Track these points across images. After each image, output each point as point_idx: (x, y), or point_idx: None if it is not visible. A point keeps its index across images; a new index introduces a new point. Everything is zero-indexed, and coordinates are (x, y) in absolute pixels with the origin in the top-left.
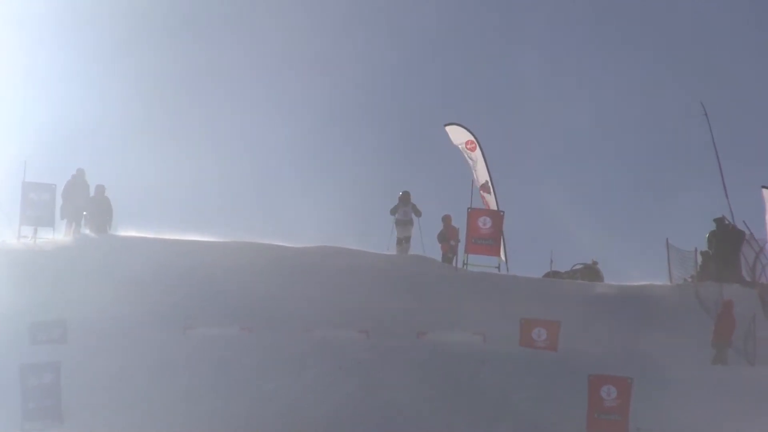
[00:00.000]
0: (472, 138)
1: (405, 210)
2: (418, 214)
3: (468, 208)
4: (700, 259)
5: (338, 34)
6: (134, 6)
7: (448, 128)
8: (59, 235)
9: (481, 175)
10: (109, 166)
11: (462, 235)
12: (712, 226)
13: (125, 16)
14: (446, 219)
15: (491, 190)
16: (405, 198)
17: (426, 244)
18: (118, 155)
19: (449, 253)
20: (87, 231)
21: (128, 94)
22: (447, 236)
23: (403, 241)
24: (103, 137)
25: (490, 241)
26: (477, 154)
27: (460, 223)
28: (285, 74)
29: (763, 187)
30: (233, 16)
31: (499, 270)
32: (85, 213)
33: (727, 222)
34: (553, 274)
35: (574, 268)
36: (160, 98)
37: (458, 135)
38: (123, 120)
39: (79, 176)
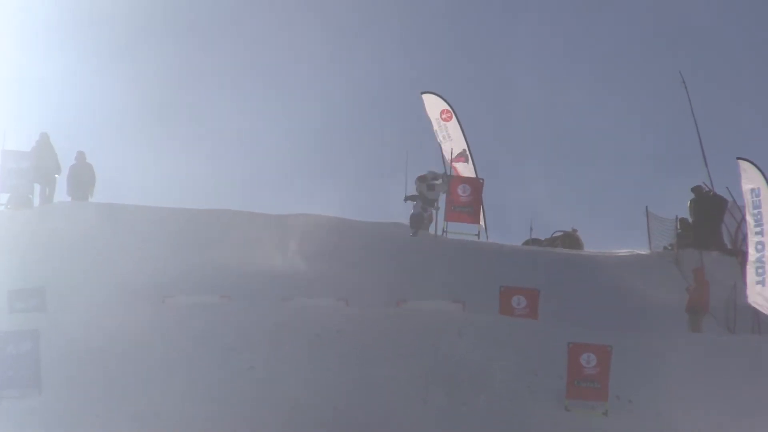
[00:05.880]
0: (448, 107)
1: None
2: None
3: (449, 176)
4: (679, 227)
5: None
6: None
7: (424, 96)
8: (37, 202)
9: (458, 144)
10: (89, 134)
11: (441, 203)
12: (691, 195)
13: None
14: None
15: (469, 159)
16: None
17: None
18: (96, 123)
19: (426, 221)
20: (68, 197)
21: (104, 65)
22: None
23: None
24: (81, 106)
25: (469, 209)
26: (453, 123)
27: None
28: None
29: (738, 158)
30: None
31: (478, 237)
32: (57, 176)
33: (706, 189)
34: (533, 242)
35: (554, 235)
36: (137, 70)
37: (433, 104)
38: (100, 89)
39: (43, 140)
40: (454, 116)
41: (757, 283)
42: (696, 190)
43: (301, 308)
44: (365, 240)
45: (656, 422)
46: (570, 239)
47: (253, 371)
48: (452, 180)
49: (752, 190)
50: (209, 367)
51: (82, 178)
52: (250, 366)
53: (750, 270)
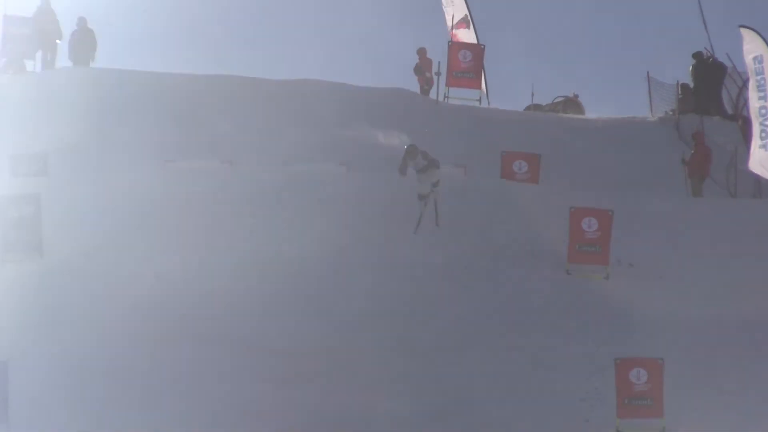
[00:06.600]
0: None
1: (415, 162)
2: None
3: (448, 42)
4: (680, 92)
5: None
6: None
7: None
8: (39, 67)
9: (459, 9)
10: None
11: (443, 69)
12: (692, 61)
13: None
14: (420, 51)
15: (470, 24)
16: (412, 152)
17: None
18: None
19: (425, 86)
20: (69, 63)
21: None
22: (422, 68)
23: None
24: None
25: (470, 75)
26: None
27: (440, 57)
28: None
29: (741, 26)
30: None
31: (479, 103)
32: (58, 41)
33: (707, 56)
34: (534, 107)
35: (555, 101)
36: None
37: None
38: None
39: (45, 5)
40: None
41: (760, 147)
42: (697, 55)
43: (302, 173)
44: (366, 105)
45: (657, 286)
46: (571, 104)
47: (255, 235)
48: (452, 46)
49: (755, 57)
50: (211, 230)
51: (84, 43)
52: (251, 230)
53: (754, 135)
